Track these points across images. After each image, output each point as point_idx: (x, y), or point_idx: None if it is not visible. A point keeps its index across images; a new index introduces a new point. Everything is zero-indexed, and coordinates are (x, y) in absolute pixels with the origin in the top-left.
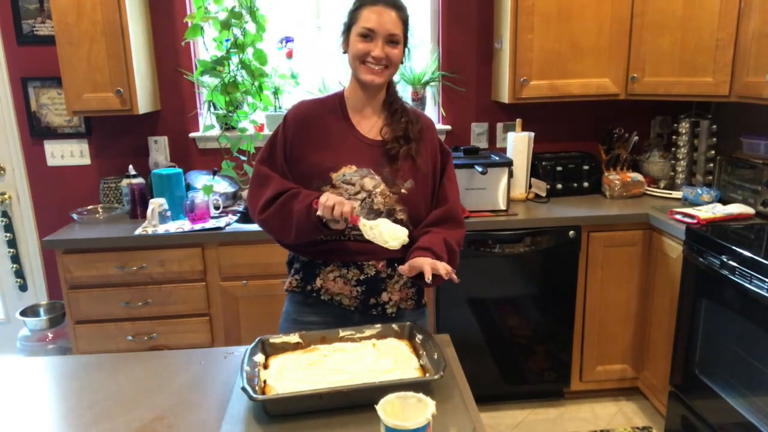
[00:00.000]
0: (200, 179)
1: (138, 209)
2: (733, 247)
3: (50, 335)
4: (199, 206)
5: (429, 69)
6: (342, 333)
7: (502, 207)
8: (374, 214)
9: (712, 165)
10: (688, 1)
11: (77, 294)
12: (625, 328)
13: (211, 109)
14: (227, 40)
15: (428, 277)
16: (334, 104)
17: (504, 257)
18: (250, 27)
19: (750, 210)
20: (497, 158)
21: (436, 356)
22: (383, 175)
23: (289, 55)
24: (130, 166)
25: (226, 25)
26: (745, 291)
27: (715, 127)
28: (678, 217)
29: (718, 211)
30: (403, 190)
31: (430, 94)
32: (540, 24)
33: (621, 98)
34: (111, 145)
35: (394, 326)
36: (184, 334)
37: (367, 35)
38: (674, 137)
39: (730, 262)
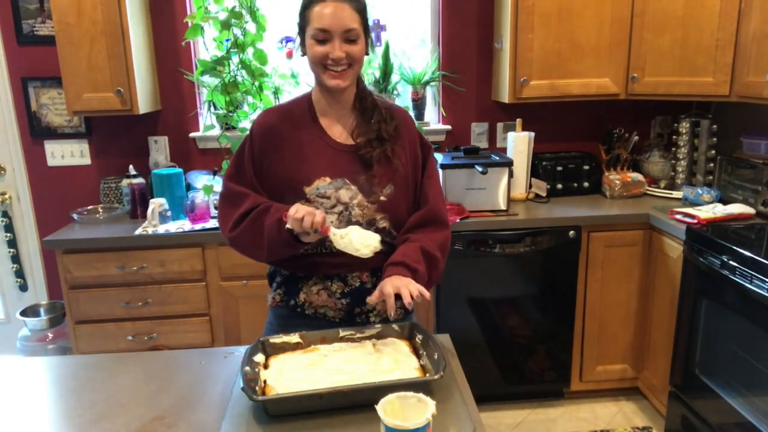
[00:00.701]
0: (200, 179)
1: (138, 209)
2: (734, 247)
3: (50, 335)
4: (200, 206)
5: (429, 69)
6: (342, 333)
7: (503, 207)
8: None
9: (712, 165)
10: (689, 1)
11: (77, 294)
12: (625, 328)
13: (212, 109)
14: (227, 40)
15: (390, 314)
16: (302, 109)
17: (504, 257)
18: (251, 27)
19: (750, 210)
20: (497, 158)
21: (436, 356)
22: (359, 183)
23: (289, 55)
24: (131, 166)
25: (226, 25)
26: (745, 291)
27: (715, 127)
28: (678, 217)
29: (718, 211)
30: (382, 198)
31: (431, 93)
32: (540, 24)
33: (621, 98)
34: (111, 145)
35: (394, 326)
36: (184, 334)
37: (322, 37)
38: (674, 137)
39: (731, 262)
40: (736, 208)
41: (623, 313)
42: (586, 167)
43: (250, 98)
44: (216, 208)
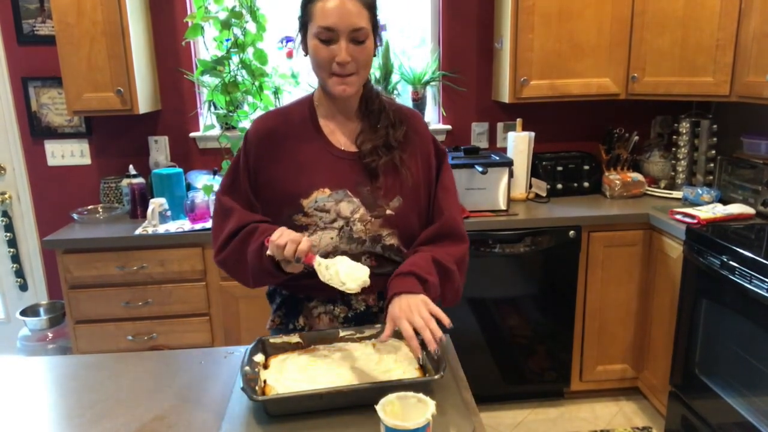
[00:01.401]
0: (200, 179)
1: (138, 209)
2: (734, 247)
3: (50, 335)
4: (200, 206)
5: (429, 69)
6: (342, 333)
7: (503, 207)
8: (356, 243)
9: (712, 165)
10: (689, 1)
11: (77, 294)
12: (625, 328)
13: (212, 108)
14: (227, 40)
15: (419, 357)
16: (303, 113)
17: (504, 257)
18: (251, 27)
19: (750, 210)
20: (497, 158)
21: (436, 356)
22: (362, 195)
23: (290, 54)
24: (131, 166)
25: (226, 25)
26: (745, 291)
27: (715, 126)
28: (678, 217)
29: (718, 211)
30: (388, 211)
31: (431, 93)
32: (540, 24)
33: (621, 98)
34: (111, 145)
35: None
36: (184, 334)
37: (327, 37)
38: (674, 137)
39: (731, 262)
40: (736, 208)
41: (623, 313)
42: (586, 167)
43: (250, 98)
44: None
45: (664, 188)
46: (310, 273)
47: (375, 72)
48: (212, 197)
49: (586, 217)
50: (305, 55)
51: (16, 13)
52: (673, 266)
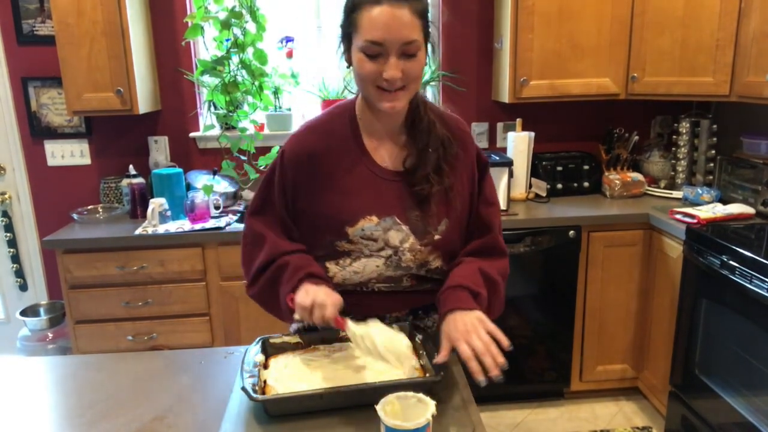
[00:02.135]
0: (200, 179)
1: (138, 209)
2: (734, 247)
3: (50, 335)
4: (200, 206)
5: (429, 69)
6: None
7: (503, 207)
8: (402, 270)
9: (712, 165)
10: (689, 1)
11: (77, 294)
12: (625, 328)
13: (212, 108)
14: (227, 40)
15: (480, 381)
16: (344, 128)
17: None
18: (251, 27)
19: (750, 210)
20: (497, 158)
21: (436, 356)
22: (411, 222)
23: (289, 54)
24: (131, 166)
25: (226, 25)
26: (745, 291)
27: (715, 126)
28: (678, 216)
29: (718, 210)
30: (437, 237)
31: (431, 93)
32: (540, 24)
33: (621, 98)
34: (111, 145)
35: (394, 326)
36: (184, 334)
37: (375, 52)
38: (674, 137)
39: (731, 262)
40: (736, 208)
41: (623, 313)
42: (586, 167)
43: (250, 98)
44: (216, 207)
45: (664, 188)
46: (349, 292)
47: None
48: (212, 197)
49: (586, 217)
50: (348, 67)
51: (16, 13)
52: (673, 266)
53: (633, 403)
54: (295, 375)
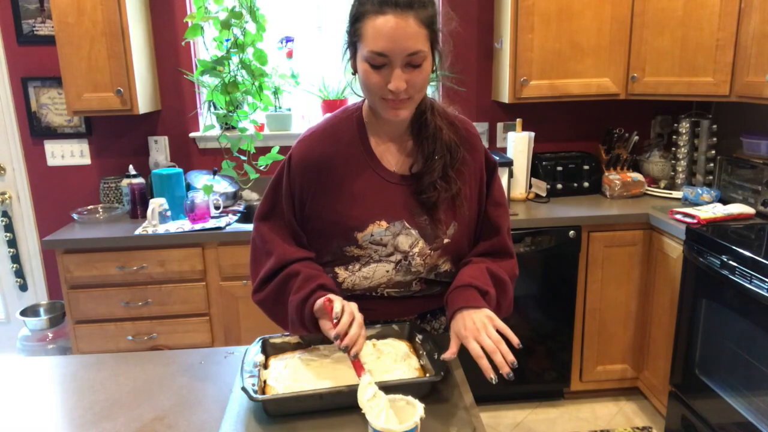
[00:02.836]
0: (200, 179)
1: (138, 209)
2: (733, 247)
3: (50, 335)
4: (199, 206)
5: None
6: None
7: None
8: (412, 275)
9: (712, 165)
10: (689, 1)
11: (77, 294)
12: (625, 328)
13: (211, 109)
14: (227, 40)
15: (492, 378)
16: (351, 133)
17: None
18: (250, 27)
19: (750, 210)
20: (497, 158)
21: (436, 356)
22: (421, 226)
23: (289, 55)
24: (131, 166)
25: (226, 25)
26: (745, 291)
27: (715, 126)
28: (678, 217)
29: (718, 211)
30: (446, 241)
31: (430, 93)
32: (540, 24)
33: (621, 98)
34: (111, 145)
35: (394, 326)
36: (184, 334)
37: (380, 63)
38: (674, 137)
39: (731, 262)
40: (736, 208)
41: (623, 313)
42: (586, 167)
43: (250, 98)
44: (216, 207)
45: (664, 188)
46: (357, 297)
47: None
48: (212, 197)
49: (586, 217)
50: (353, 74)
51: (16, 13)
52: (673, 266)
53: (633, 403)
54: (295, 375)
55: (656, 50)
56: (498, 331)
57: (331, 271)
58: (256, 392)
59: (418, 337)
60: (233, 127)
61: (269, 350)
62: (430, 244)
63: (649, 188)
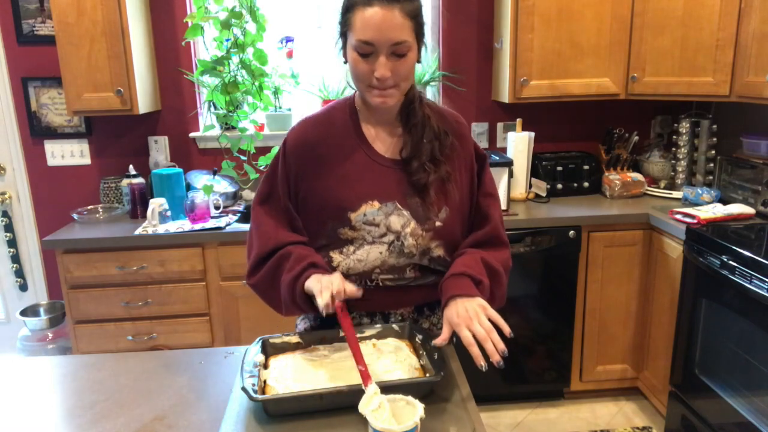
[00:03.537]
0: (200, 179)
1: (138, 209)
2: (734, 247)
3: (50, 335)
4: (200, 206)
5: (429, 69)
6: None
7: (503, 207)
8: (405, 257)
9: (712, 165)
10: (689, 1)
11: (77, 294)
12: (625, 328)
13: (211, 108)
14: (227, 40)
15: (481, 365)
16: (344, 119)
17: None
18: (251, 27)
19: (750, 210)
20: (497, 158)
21: (436, 356)
22: (412, 208)
23: (289, 55)
24: (131, 166)
25: (226, 25)
26: (745, 291)
27: (715, 126)
28: (678, 217)
29: (718, 211)
30: (438, 223)
31: (431, 93)
32: (540, 24)
33: (621, 98)
34: (111, 145)
35: (395, 326)
36: (184, 334)
37: (366, 51)
38: (674, 137)
39: (731, 262)
40: (736, 208)
41: (623, 313)
42: (586, 167)
43: (250, 98)
44: (216, 207)
45: (664, 188)
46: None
47: None
48: (212, 197)
49: (586, 217)
50: (344, 63)
51: (16, 13)
52: (673, 266)
53: (633, 403)
54: (294, 375)
55: (656, 50)
56: (490, 320)
57: (326, 256)
58: (256, 392)
59: (418, 337)
60: (233, 127)
61: (269, 350)
62: (422, 225)
63: (649, 188)
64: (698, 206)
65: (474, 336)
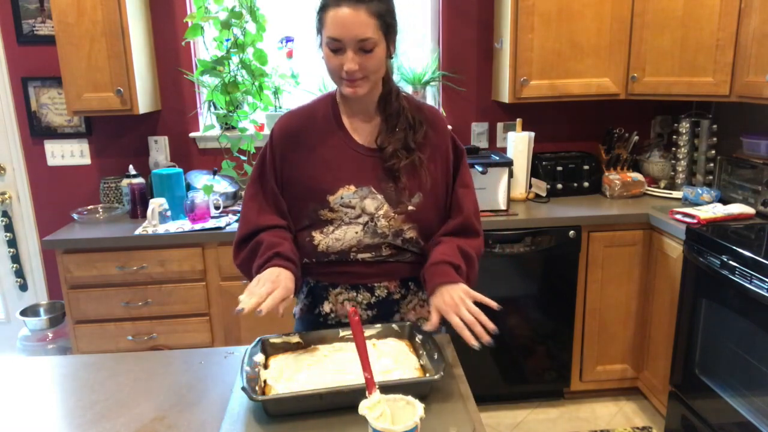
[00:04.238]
0: (200, 179)
1: (138, 209)
2: (734, 247)
3: (50, 335)
4: (199, 206)
5: (429, 69)
6: (342, 333)
7: (503, 207)
8: (379, 237)
9: (712, 165)
10: (689, 1)
11: (77, 294)
12: (625, 328)
13: (211, 108)
14: (227, 40)
15: (474, 344)
16: (326, 110)
17: (504, 257)
18: (251, 27)
19: (750, 210)
20: (497, 158)
21: (436, 356)
22: (386, 192)
23: (289, 55)
24: (131, 166)
25: (226, 25)
26: (745, 291)
27: (715, 126)
28: (678, 217)
29: (718, 211)
30: (410, 207)
31: (431, 93)
32: (540, 24)
33: (621, 98)
34: (111, 145)
35: (394, 326)
36: (184, 334)
37: (335, 47)
38: (674, 137)
39: (731, 262)
40: (736, 208)
41: (623, 313)
42: (586, 167)
43: (250, 98)
44: (216, 207)
45: (664, 188)
46: (334, 262)
47: None
48: (212, 197)
49: (586, 217)
50: (322, 57)
51: (16, 13)
52: (673, 266)
53: (633, 403)
54: (295, 375)
55: (656, 50)
56: (477, 302)
57: (309, 235)
58: (256, 392)
59: (418, 337)
60: (233, 127)
61: (269, 350)
62: (394, 208)
63: (649, 188)
64: (698, 206)
65: (463, 320)
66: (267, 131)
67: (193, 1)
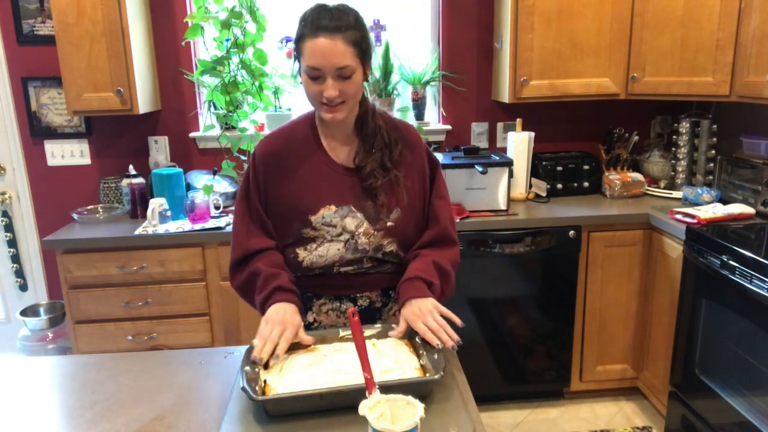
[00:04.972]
0: (200, 179)
1: (138, 209)
2: (734, 247)
3: (50, 335)
4: (200, 206)
5: (429, 69)
6: (342, 333)
7: (503, 207)
8: (360, 253)
9: (712, 165)
10: (689, 1)
11: (77, 294)
12: (625, 328)
13: (211, 108)
14: (227, 40)
15: (437, 343)
16: (306, 131)
17: (504, 257)
18: (251, 27)
19: (750, 210)
20: (497, 158)
21: (436, 356)
22: (365, 210)
23: (289, 54)
24: (131, 166)
25: (226, 25)
26: (745, 291)
27: (715, 126)
28: (678, 216)
29: (718, 210)
30: (389, 223)
31: (431, 93)
32: (540, 24)
33: (621, 98)
34: (111, 145)
35: (395, 326)
36: (184, 334)
37: (314, 75)
38: (674, 137)
39: (731, 262)
40: (736, 208)
41: (623, 313)
42: (586, 167)
43: (250, 98)
44: (216, 207)
45: (664, 188)
46: (318, 275)
47: (375, 72)
48: (212, 197)
49: (586, 217)
50: (300, 83)
51: (16, 13)
52: (673, 266)
53: (633, 403)
54: (295, 375)
55: (656, 50)
56: (444, 316)
57: (293, 252)
58: (256, 392)
59: (418, 337)
60: (233, 127)
61: None
62: (373, 225)
63: (649, 188)
64: (698, 206)
65: (429, 328)
66: (267, 131)
67: (193, 1)
